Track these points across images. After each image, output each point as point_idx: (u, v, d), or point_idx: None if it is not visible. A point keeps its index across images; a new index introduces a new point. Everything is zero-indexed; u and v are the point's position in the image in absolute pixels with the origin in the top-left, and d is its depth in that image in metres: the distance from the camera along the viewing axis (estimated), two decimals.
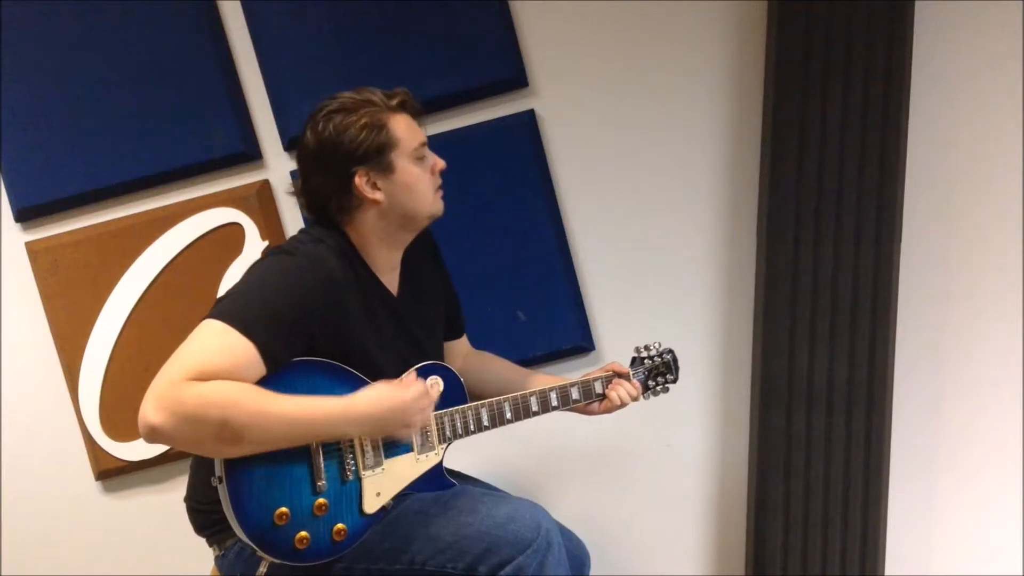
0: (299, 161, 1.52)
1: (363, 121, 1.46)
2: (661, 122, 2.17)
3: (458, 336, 1.83)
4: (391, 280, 1.58)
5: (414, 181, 1.51)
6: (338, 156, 1.46)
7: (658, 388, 1.81)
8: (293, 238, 1.53)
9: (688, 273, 2.20)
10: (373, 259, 1.53)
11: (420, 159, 1.52)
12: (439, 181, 1.57)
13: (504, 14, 2.13)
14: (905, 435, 2.18)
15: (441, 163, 1.57)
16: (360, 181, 1.46)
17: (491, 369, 1.83)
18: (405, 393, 1.41)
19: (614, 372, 1.74)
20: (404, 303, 1.59)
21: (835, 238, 2.07)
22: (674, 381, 1.83)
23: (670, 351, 1.83)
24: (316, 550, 1.38)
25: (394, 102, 1.50)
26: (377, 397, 1.39)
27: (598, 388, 1.71)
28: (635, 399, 1.73)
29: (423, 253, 1.67)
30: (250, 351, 1.30)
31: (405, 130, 1.50)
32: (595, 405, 1.73)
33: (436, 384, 1.54)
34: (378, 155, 1.46)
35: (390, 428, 1.41)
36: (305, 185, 1.52)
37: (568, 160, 2.18)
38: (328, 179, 1.48)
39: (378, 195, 1.48)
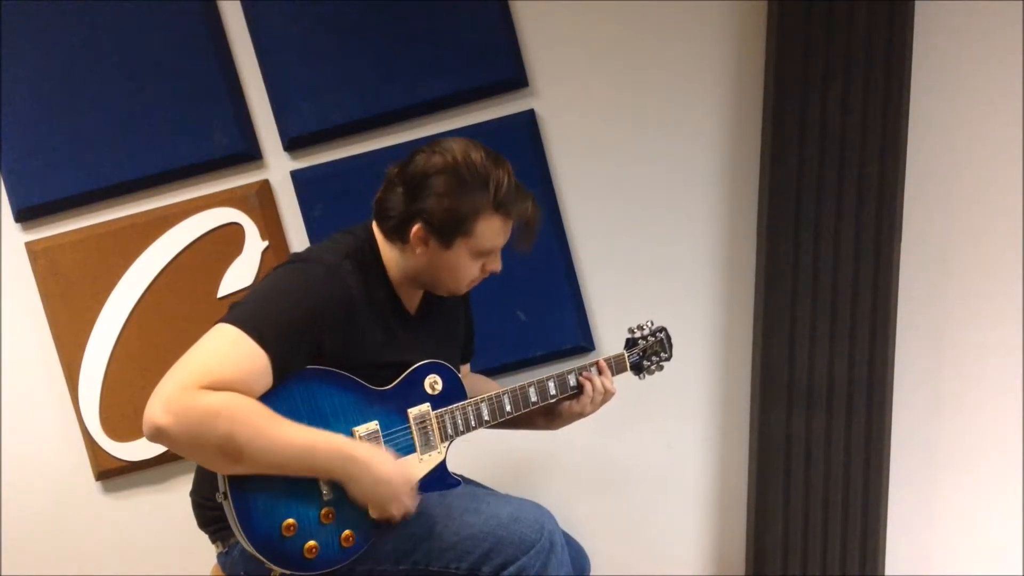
0: (410, 159, 1.48)
1: (458, 204, 1.43)
2: (661, 122, 2.17)
3: (463, 363, 1.84)
4: (412, 299, 1.58)
5: (459, 267, 1.50)
6: (417, 201, 1.44)
7: (652, 367, 1.79)
8: (322, 244, 1.53)
9: (688, 273, 2.20)
10: (397, 282, 1.53)
11: (480, 255, 1.51)
12: (481, 278, 1.56)
13: (504, 14, 2.13)
14: (905, 435, 2.18)
15: (497, 268, 1.55)
16: (416, 231, 1.45)
17: (472, 383, 1.78)
18: (404, 479, 1.41)
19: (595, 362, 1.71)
20: (421, 323, 1.60)
21: (835, 238, 2.07)
22: (668, 359, 1.81)
23: (663, 329, 1.81)
24: (326, 558, 1.38)
25: (504, 209, 1.46)
26: (383, 461, 1.39)
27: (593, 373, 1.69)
28: (604, 390, 1.68)
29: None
30: (263, 362, 1.30)
31: (489, 232, 1.47)
32: (583, 399, 1.68)
33: (436, 383, 1.54)
34: (444, 232, 1.45)
35: (376, 497, 1.39)
36: (393, 181, 1.49)
37: (568, 160, 2.18)
38: (400, 203, 1.46)
39: (420, 251, 1.47)
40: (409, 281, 1.54)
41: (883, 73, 2.03)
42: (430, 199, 1.43)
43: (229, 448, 1.25)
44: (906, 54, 2.03)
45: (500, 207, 1.46)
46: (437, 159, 1.44)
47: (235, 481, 1.31)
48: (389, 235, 1.50)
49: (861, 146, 2.05)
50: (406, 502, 1.41)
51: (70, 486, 2.22)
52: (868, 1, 2.01)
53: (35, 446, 2.21)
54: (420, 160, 1.46)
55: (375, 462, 1.37)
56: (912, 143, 2.09)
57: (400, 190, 1.46)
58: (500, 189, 1.44)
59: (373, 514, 1.41)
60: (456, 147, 1.45)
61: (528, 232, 1.54)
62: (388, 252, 1.52)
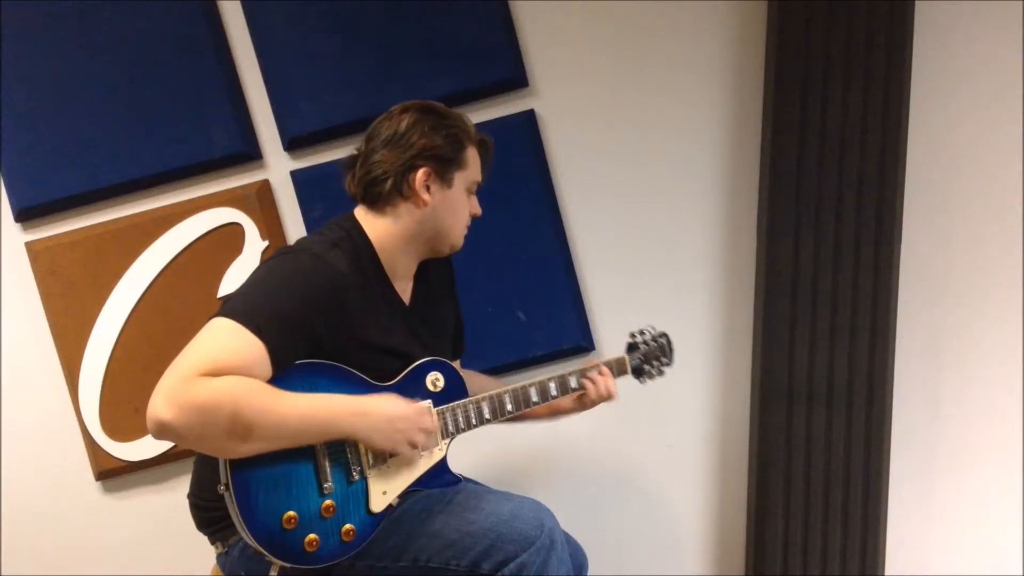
0: (375, 134, 1.56)
1: (452, 132, 1.55)
2: (661, 122, 2.17)
3: (455, 358, 1.84)
4: (404, 289, 1.60)
5: (459, 206, 1.59)
6: (416, 145, 1.52)
7: (653, 372, 1.81)
8: (310, 236, 1.55)
9: (688, 273, 2.20)
10: (391, 264, 1.55)
11: (470, 194, 1.62)
12: (469, 222, 1.64)
13: (504, 14, 2.13)
14: (905, 434, 2.18)
15: (478, 210, 1.65)
16: (420, 176, 1.52)
17: (471, 381, 1.80)
18: (414, 405, 1.45)
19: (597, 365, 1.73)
20: (415, 312, 1.61)
21: (835, 238, 2.07)
22: (668, 364, 1.83)
23: (664, 334, 1.84)
24: (326, 552, 1.38)
25: (479, 139, 1.62)
26: (389, 402, 1.42)
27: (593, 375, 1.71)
28: (608, 393, 1.70)
29: (441, 274, 1.71)
30: (260, 351, 1.30)
31: (473, 163, 1.61)
32: (584, 400, 1.70)
33: (438, 380, 1.55)
34: (446, 164, 1.55)
35: (397, 435, 1.42)
36: (368, 157, 1.55)
37: (568, 160, 2.19)
38: (395, 160, 1.52)
39: (427, 197, 1.53)
40: (407, 250, 1.56)
41: (883, 73, 2.03)
42: (423, 140, 1.52)
43: (238, 427, 1.26)
44: (906, 54, 2.03)
45: (473, 138, 1.61)
46: (406, 114, 1.54)
47: (236, 473, 1.31)
48: (387, 199, 1.53)
49: (861, 146, 2.05)
50: (421, 438, 1.45)
51: (70, 486, 2.21)
52: (868, 1, 2.02)
53: (35, 446, 2.21)
54: (388, 124, 1.55)
55: (382, 407, 1.40)
56: (912, 143, 2.09)
57: (384, 152, 1.53)
58: (470, 124, 1.60)
59: (408, 453, 1.44)
60: (415, 101, 1.58)
61: (487, 165, 1.67)
62: (381, 227, 1.54)
